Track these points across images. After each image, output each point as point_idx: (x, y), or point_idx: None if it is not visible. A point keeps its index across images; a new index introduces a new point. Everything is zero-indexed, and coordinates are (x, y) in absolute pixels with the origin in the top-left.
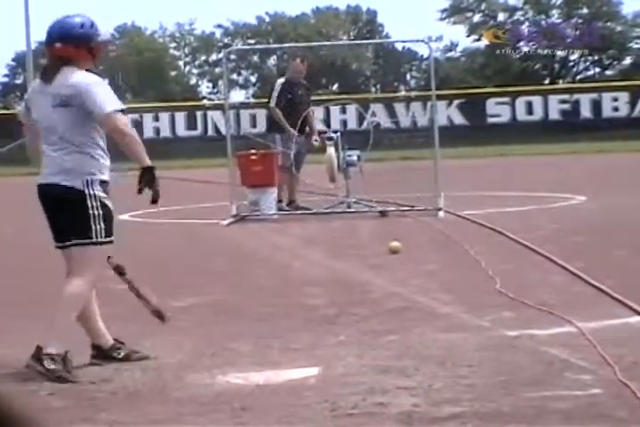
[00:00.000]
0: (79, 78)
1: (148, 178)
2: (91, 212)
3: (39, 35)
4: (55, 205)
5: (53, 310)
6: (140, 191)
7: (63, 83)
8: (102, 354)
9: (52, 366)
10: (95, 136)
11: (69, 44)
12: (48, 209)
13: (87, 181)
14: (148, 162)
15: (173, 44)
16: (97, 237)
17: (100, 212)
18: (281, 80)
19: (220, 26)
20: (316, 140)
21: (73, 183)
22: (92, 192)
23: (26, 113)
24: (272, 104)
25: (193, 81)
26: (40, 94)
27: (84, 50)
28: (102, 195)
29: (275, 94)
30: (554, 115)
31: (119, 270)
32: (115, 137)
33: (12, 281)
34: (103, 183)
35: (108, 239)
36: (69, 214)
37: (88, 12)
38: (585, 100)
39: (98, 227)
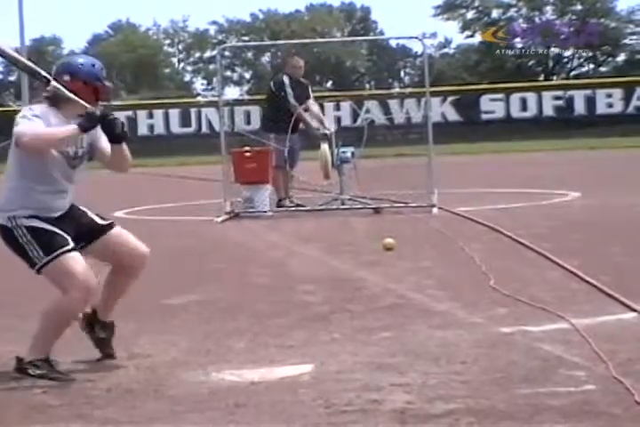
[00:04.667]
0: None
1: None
2: (21, 241)
3: (33, 32)
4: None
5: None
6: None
7: None
8: (88, 319)
9: (38, 372)
10: (25, 164)
11: (78, 79)
12: None
13: (9, 217)
14: (78, 127)
15: (167, 41)
16: (39, 262)
17: (29, 237)
18: (287, 78)
19: (214, 22)
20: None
21: (3, 221)
22: (14, 224)
23: None
24: (292, 102)
25: (187, 78)
26: None
27: (91, 88)
28: (25, 222)
29: (289, 91)
30: (548, 111)
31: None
32: (33, 152)
33: (14, 281)
34: (32, 217)
35: (52, 255)
36: (13, 252)
37: (83, 9)
38: (579, 97)
39: (34, 253)
